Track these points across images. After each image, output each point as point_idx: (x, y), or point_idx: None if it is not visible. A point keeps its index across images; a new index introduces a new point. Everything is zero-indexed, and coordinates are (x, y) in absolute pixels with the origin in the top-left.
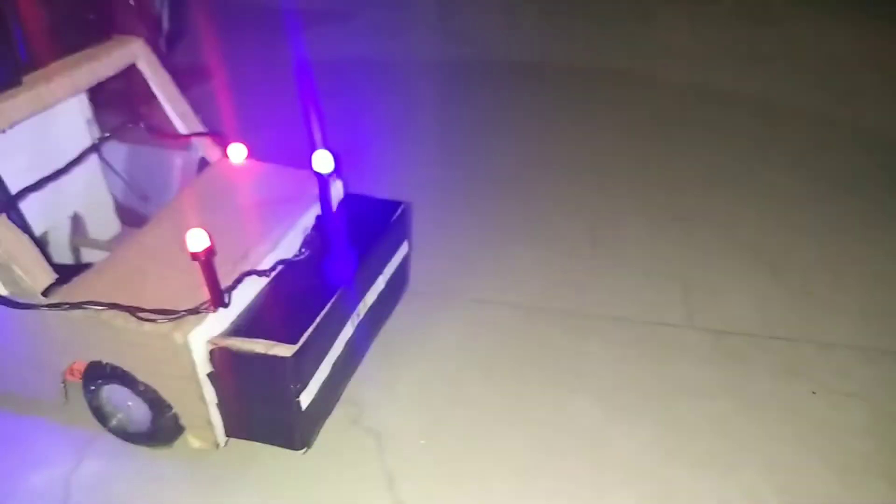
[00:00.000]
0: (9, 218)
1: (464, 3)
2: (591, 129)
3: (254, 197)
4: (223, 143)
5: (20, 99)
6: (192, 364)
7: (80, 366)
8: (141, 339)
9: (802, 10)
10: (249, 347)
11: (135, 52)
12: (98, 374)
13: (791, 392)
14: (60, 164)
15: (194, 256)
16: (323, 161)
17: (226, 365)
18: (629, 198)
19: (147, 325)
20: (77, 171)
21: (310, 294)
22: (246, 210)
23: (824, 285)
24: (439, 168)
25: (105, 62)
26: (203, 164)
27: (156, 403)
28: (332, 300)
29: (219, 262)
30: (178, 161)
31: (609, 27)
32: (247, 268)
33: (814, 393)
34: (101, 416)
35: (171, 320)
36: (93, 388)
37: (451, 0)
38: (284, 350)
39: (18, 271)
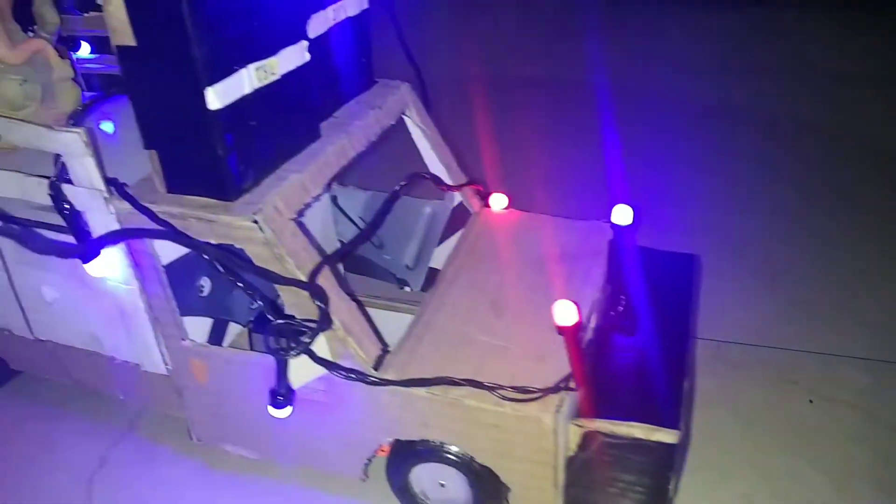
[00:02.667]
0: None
1: None
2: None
3: (538, 251)
4: (484, 193)
5: (328, 153)
6: (555, 448)
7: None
8: (496, 419)
9: (811, 23)
10: (626, 431)
11: (405, 98)
12: (414, 451)
13: (788, 401)
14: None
15: (562, 331)
16: (623, 213)
17: (595, 450)
18: None
19: (508, 406)
20: (313, 215)
21: (653, 365)
22: (540, 266)
23: (823, 296)
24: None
25: (385, 110)
26: (457, 213)
27: (487, 486)
28: (686, 372)
29: (532, 326)
30: (427, 210)
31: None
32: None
33: (811, 402)
34: (405, 495)
35: (534, 400)
36: (404, 466)
37: None
38: (668, 436)
39: (353, 344)
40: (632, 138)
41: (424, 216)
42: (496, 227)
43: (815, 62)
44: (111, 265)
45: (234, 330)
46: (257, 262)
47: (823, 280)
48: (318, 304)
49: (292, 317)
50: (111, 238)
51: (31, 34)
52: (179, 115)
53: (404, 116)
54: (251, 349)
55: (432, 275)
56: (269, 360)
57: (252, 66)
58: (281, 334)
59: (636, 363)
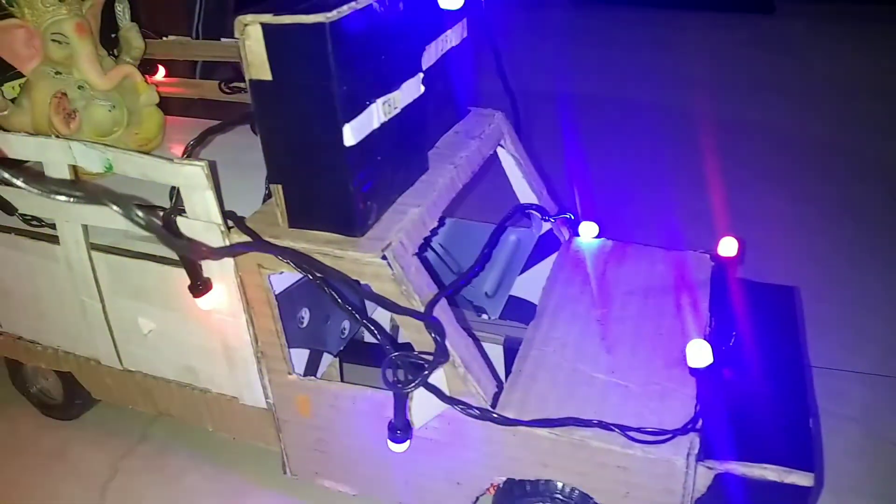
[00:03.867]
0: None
1: None
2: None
3: (639, 282)
4: (573, 222)
5: (440, 185)
6: (684, 491)
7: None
8: (624, 461)
9: (820, 39)
10: (759, 474)
11: (500, 127)
12: (527, 490)
13: None
14: None
15: (696, 372)
16: (729, 246)
17: (726, 494)
18: None
19: (637, 448)
20: None
21: (776, 401)
22: (643, 298)
23: (824, 310)
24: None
25: (485, 139)
26: (544, 241)
27: None
28: (811, 409)
29: (646, 361)
30: (512, 238)
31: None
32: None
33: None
34: None
35: (664, 442)
36: None
37: None
38: (803, 479)
39: (472, 381)
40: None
41: (509, 244)
42: (590, 258)
43: (826, 76)
44: (221, 298)
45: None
46: (385, 300)
47: (824, 293)
48: (436, 336)
49: (409, 348)
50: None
51: (112, 58)
52: (312, 150)
53: (499, 146)
54: (341, 379)
55: (512, 304)
56: (379, 395)
57: (380, 101)
58: (399, 367)
59: (757, 400)
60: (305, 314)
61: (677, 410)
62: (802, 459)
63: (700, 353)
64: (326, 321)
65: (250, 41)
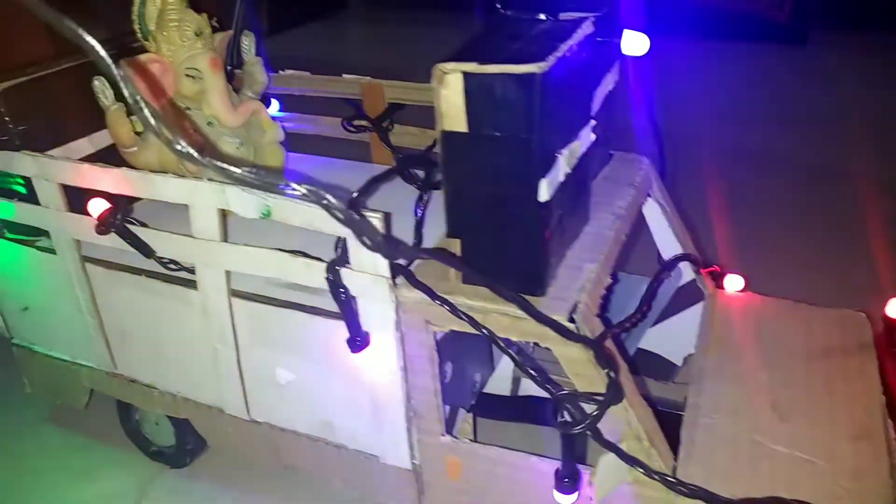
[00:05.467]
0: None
1: None
2: None
3: (798, 343)
4: (717, 274)
5: (608, 237)
6: None
7: None
8: None
9: (856, 67)
10: None
11: (650, 174)
12: None
13: None
14: None
15: None
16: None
17: None
18: None
19: None
20: None
21: None
22: (807, 361)
23: None
24: None
25: (638, 188)
26: (678, 297)
27: None
28: None
29: (827, 433)
30: (643, 288)
31: None
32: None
33: None
34: None
35: None
36: None
37: None
38: None
39: (656, 456)
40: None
41: (641, 295)
42: (740, 313)
43: (859, 108)
44: (377, 353)
45: None
46: (565, 364)
47: None
48: (609, 371)
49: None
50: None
51: (236, 93)
52: (503, 205)
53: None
54: (475, 434)
55: (639, 356)
56: (543, 464)
57: (565, 152)
58: (564, 407)
59: None
60: (449, 369)
61: (873, 490)
62: None
63: None
64: (463, 375)
65: (448, 91)
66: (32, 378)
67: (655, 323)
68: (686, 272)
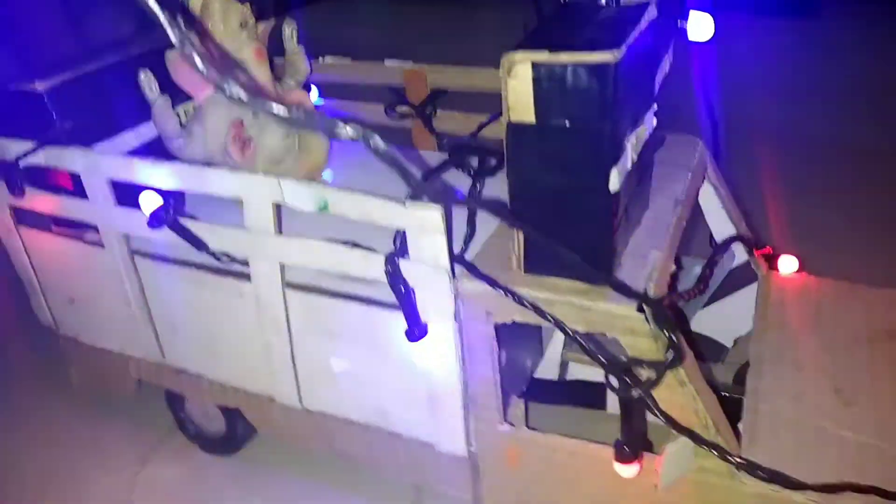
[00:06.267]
0: None
1: None
2: None
3: (858, 326)
4: (771, 255)
5: (670, 224)
6: None
7: None
8: None
9: (871, 39)
10: None
11: (704, 156)
12: None
13: None
14: None
15: None
16: None
17: None
18: None
19: None
20: None
21: None
22: (870, 344)
23: None
24: None
25: (694, 171)
26: (732, 274)
27: None
28: None
29: (891, 416)
30: (696, 270)
31: None
32: None
33: None
34: None
35: None
36: None
37: None
38: None
39: (723, 444)
40: None
41: (692, 276)
42: (796, 295)
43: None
44: (437, 345)
45: None
46: (632, 353)
47: None
48: (668, 334)
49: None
50: None
51: (277, 82)
52: (571, 196)
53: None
54: (527, 419)
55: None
56: (604, 451)
57: (632, 138)
58: (623, 375)
59: None
60: (503, 357)
61: None
62: None
63: None
64: (515, 362)
65: (516, 81)
66: (79, 369)
67: (706, 305)
68: (739, 254)
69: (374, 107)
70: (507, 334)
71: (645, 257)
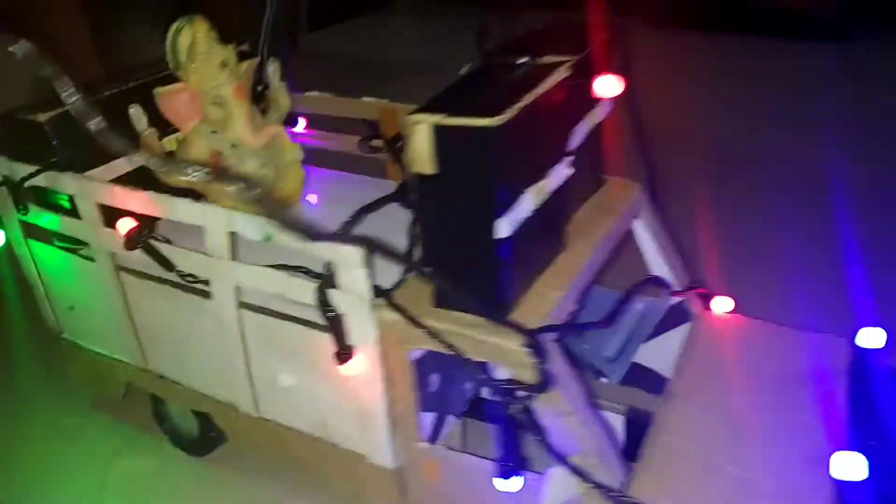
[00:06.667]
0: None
1: None
2: None
3: (773, 367)
4: (706, 295)
5: (581, 266)
6: None
7: None
8: None
9: None
10: None
11: (639, 200)
12: None
13: None
14: None
15: (843, 487)
16: (872, 337)
17: None
18: None
19: None
20: None
21: None
22: (778, 386)
23: None
24: None
25: (623, 215)
26: (672, 314)
27: None
28: None
29: (780, 456)
30: (639, 308)
31: None
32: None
33: None
34: None
35: None
36: None
37: None
38: None
39: (604, 472)
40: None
41: (635, 313)
42: (723, 336)
43: None
44: (361, 365)
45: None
46: (511, 368)
47: None
48: (538, 362)
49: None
50: None
51: (258, 112)
52: (465, 239)
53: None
54: (464, 437)
55: (633, 370)
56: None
57: (532, 190)
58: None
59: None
60: (435, 379)
61: None
62: None
63: (849, 467)
64: (451, 384)
65: (418, 138)
66: (77, 370)
67: (648, 339)
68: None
69: (352, 138)
70: (444, 359)
71: (544, 297)
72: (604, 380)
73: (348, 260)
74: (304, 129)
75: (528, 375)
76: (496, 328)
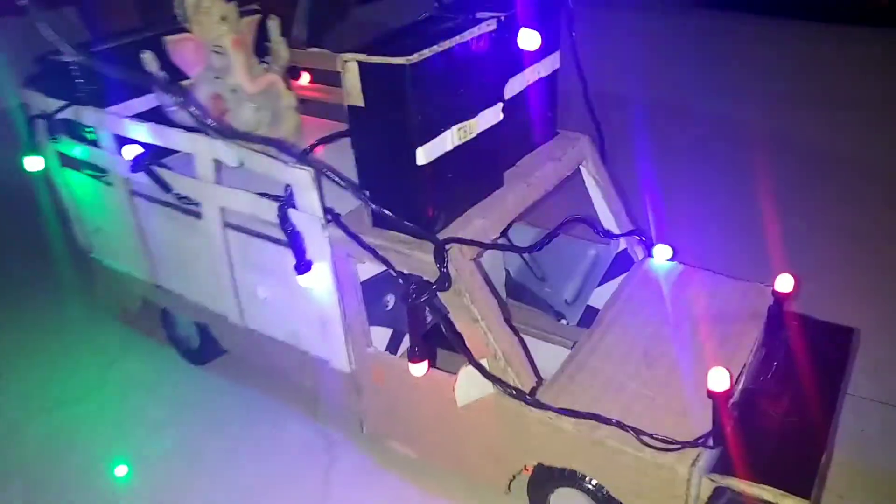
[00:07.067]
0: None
1: None
2: None
3: (696, 307)
4: (648, 243)
5: (509, 201)
6: (686, 497)
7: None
8: (635, 462)
9: None
10: (757, 492)
11: (583, 150)
12: (555, 477)
13: None
14: None
15: (712, 395)
16: (784, 282)
17: None
18: None
19: (647, 452)
20: None
21: (795, 433)
22: (696, 323)
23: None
24: None
25: (564, 161)
26: (620, 260)
27: None
28: (826, 445)
29: (681, 380)
30: (591, 253)
31: None
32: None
33: None
34: None
35: (672, 450)
36: (545, 487)
37: None
38: (798, 503)
39: (511, 373)
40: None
41: (588, 258)
42: (657, 279)
43: None
44: (319, 279)
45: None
46: (440, 295)
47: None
48: (439, 266)
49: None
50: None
51: (265, 65)
52: (391, 166)
53: (581, 167)
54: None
55: (590, 312)
56: (438, 374)
57: (455, 128)
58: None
59: (778, 429)
60: (391, 299)
61: (694, 427)
62: (803, 486)
63: (719, 379)
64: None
65: (349, 74)
66: (101, 285)
67: (601, 283)
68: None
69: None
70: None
71: (469, 222)
72: (563, 321)
73: (301, 182)
74: (308, 82)
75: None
76: (419, 244)
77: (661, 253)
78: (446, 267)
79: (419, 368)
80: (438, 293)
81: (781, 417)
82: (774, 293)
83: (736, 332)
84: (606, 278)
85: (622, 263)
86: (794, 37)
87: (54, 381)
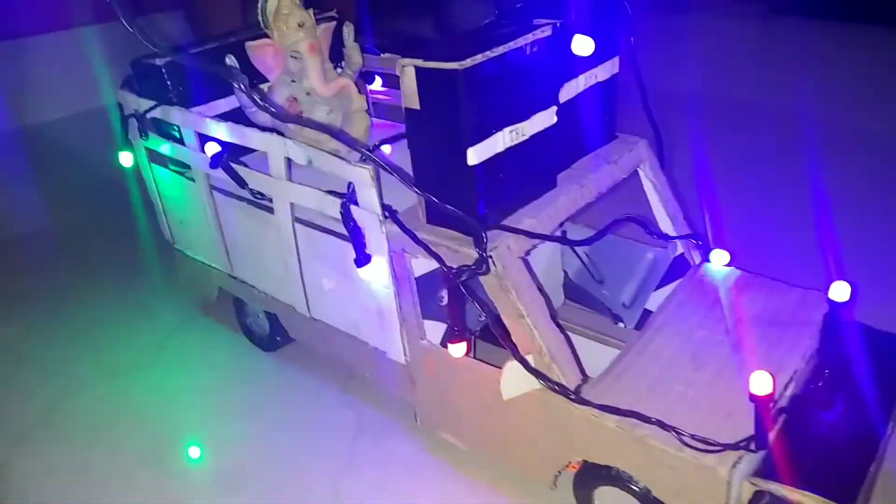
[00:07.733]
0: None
1: None
2: None
3: (750, 312)
4: (705, 248)
5: (560, 202)
6: (727, 499)
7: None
8: (676, 462)
9: None
10: (798, 498)
11: (640, 154)
12: (600, 474)
13: None
14: None
15: (754, 398)
16: (840, 290)
17: None
18: None
19: (688, 452)
20: (543, 246)
21: (844, 443)
22: (749, 328)
23: None
24: None
25: (620, 165)
26: (677, 264)
27: None
28: (876, 457)
29: (728, 383)
30: (649, 256)
31: None
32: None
33: None
34: None
35: (714, 452)
36: (589, 484)
37: None
38: None
39: (556, 370)
40: None
41: (646, 261)
42: (712, 283)
43: None
44: (377, 272)
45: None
46: (488, 291)
47: None
48: (478, 250)
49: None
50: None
51: (339, 70)
52: (444, 165)
53: (639, 170)
54: (475, 355)
55: (647, 316)
56: (486, 368)
57: (507, 129)
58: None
59: (827, 437)
60: (445, 294)
61: (738, 430)
62: (846, 496)
63: (761, 383)
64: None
65: (406, 78)
66: (183, 274)
67: (658, 287)
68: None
69: None
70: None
71: (519, 222)
72: (621, 325)
73: (361, 179)
74: (381, 86)
75: (491, 281)
76: (469, 241)
77: (718, 258)
78: (486, 250)
79: (458, 349)
80: (487, 287)
81: (831, 425)
82: (830, 301)
83: (788, 338)
84: (664, 282)
85: (680, 268)
86: (865, 41)
87: (126, 349)
